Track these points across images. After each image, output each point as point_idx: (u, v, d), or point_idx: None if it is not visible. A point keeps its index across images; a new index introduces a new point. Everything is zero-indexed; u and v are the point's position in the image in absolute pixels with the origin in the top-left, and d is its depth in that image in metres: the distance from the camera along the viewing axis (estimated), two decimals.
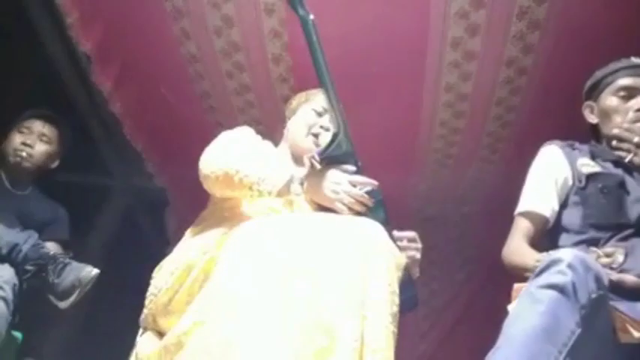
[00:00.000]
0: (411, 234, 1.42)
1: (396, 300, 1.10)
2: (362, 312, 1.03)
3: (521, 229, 1.49)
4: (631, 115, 1.45)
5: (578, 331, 0.96)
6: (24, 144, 2.05)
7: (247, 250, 1.11)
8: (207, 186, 1.37)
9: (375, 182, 1.31)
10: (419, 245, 1.42)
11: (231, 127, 1.46)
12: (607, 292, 1.02)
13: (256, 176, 1.27)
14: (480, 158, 2.81)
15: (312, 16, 1.25)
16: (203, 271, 1.18)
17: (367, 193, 1.32)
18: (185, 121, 2.80)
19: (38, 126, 2.11)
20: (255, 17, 2.21)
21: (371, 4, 2.09)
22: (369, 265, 1.09)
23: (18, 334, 1.85)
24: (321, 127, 1.57)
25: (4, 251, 1.70)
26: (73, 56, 2.61)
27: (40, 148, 2.09)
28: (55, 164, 2.18)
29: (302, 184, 1.30)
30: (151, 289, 1.27)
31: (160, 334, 1.25)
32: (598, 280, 1.00)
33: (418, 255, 1.40)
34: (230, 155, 1.33)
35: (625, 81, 1.49)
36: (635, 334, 1.04)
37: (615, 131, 1.43)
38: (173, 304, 1.19)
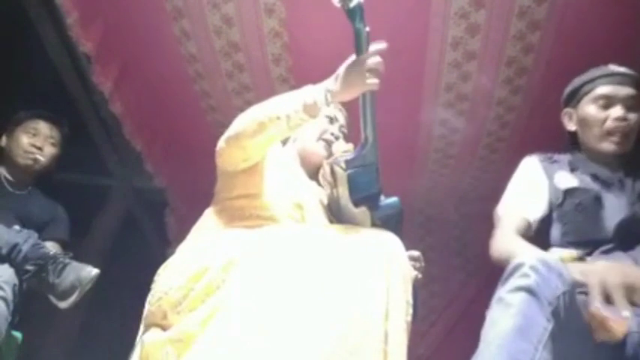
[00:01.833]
0: (416, 254, 1.45)
1: (410, 310, 1.14)
2: (386, 315, 1.09)
3: (508, 224, 1.49)
4: (609, 123, 1.47)
5: (550, 326, 1.00)
6: (34, 146, 2.06)
7: (274, 258, 1.15)
8: (238, 147, 1.37)
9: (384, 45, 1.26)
10: (422, 264, 1.46)
11: None
12: (572, 288, 1.06)
13: (283, 106, 1.30)
14: (480, 158, 2.81)
15: (367, 29, 1.24)
16: (222, 271, 1.18)
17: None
18: (185, 121, 2.80)
19: (45, 129, 2.11)
20: (255, 17, 2.21)
21: (370, 3, 2.09)
22: (389, 274, 1.13)
23: (18, 334, 1.85)
24: (332, 134, 1.60)
25: (4, 251, 1.69)
26: (73, 56, 2.61)
27: (49, 151, 2.10)
28: (54, 164, 2.19)
29: (327, 98, 1.27)
30: (161, 287, 1.26)
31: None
32: (561, 276, 1.04)
33: (420, 274, 1.44)
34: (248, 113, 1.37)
35: (604, 89, 1.50)
36: (614, 333, 1.06)
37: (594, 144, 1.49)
38: (188, 302, 1.18)
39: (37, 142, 2.06)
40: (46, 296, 1.74)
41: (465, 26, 2.14)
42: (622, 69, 1.53)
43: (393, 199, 1.36)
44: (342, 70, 1.26)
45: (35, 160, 2.05)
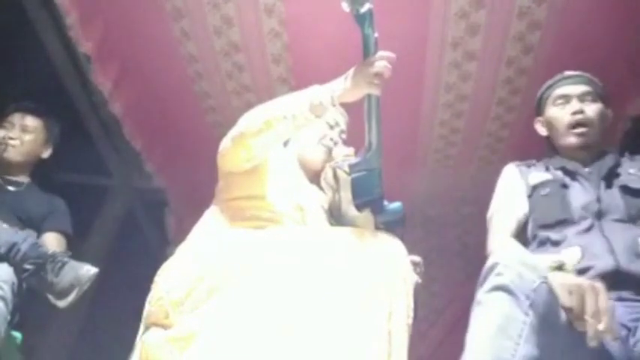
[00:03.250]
0: (417, 259, 1.47)
1: (411, 313, 1.16)
2: (389, 316, 1.11)
3: (501, 227, 1.55)
4: (568, 118, 1.57)
5: (529, 319, 1.01)
6: (5, 137, 2.06)
7: (275, 260, 1.17)
8: (242, 147, 1.37)
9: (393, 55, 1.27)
10: (422, 269, 1.48)
11: (230, 127, 1.46)
12: (547, 280, 1.07)
13: (286, 107, 1.32)
14: (479, 158, 2.81)
15: (376, 34, 1.25)
16: (223, 272, 1.19)
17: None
18: (185, 122, 2.80)
19: (18, 118, 2.10)
20: (255, 17, 2.22)
21: None
22: (391, 277, 1.14)
23: (18, 334, 1.85)
24: (331, 139, 1.61)
25: (3, 250, 1.69)
26: (73, 56, 2.61)
27: (25, 138, 2.09)
28: (47, 153, 2.17)
29: (332, 99, 1.29)
30: (162, 287, 1.26)
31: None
32: (535, 270, 1.06)
33: (420, 280, 1.45)
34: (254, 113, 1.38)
35: (560, 90, 1.63)
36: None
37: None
38: (191, 302, 1.19)
39: (9, 133, 2.07)
40: (45, 296, 1.73)
41: (465, 26, 2.14)
42: (576, 72, 1.65)
43: (397, 204, 1.37)
44: (351, 70, 1.28)
45: (7, 144, 2.04)
